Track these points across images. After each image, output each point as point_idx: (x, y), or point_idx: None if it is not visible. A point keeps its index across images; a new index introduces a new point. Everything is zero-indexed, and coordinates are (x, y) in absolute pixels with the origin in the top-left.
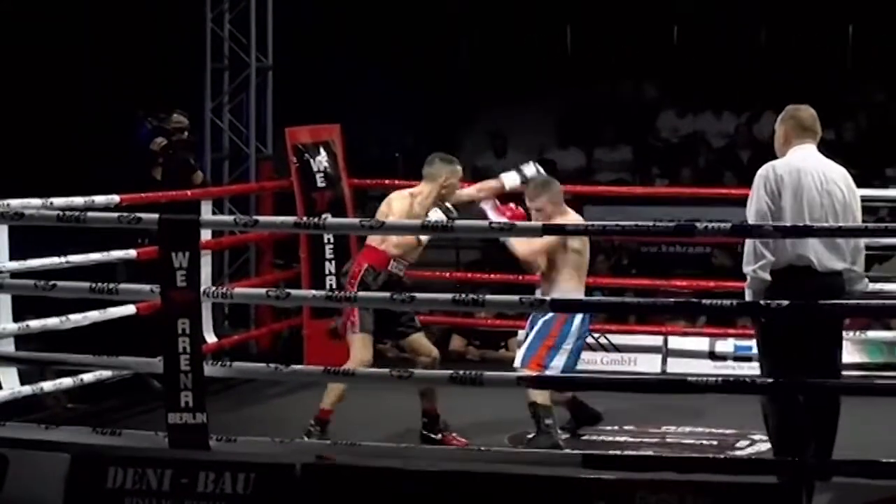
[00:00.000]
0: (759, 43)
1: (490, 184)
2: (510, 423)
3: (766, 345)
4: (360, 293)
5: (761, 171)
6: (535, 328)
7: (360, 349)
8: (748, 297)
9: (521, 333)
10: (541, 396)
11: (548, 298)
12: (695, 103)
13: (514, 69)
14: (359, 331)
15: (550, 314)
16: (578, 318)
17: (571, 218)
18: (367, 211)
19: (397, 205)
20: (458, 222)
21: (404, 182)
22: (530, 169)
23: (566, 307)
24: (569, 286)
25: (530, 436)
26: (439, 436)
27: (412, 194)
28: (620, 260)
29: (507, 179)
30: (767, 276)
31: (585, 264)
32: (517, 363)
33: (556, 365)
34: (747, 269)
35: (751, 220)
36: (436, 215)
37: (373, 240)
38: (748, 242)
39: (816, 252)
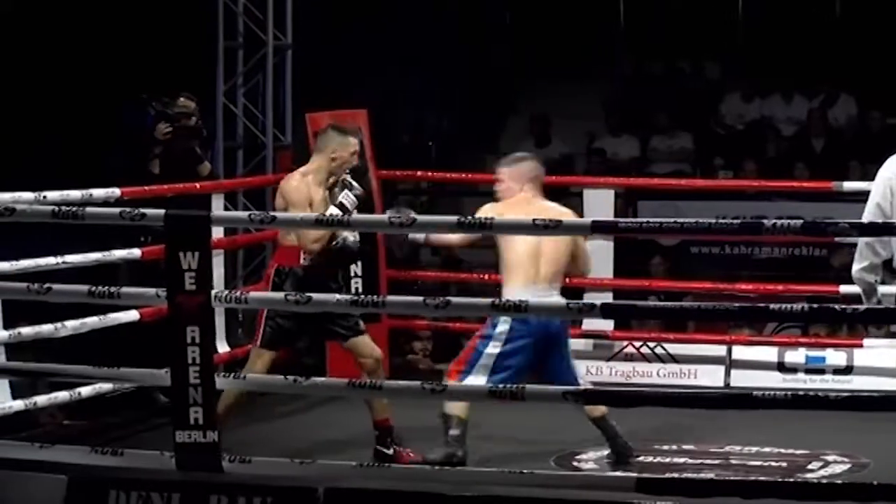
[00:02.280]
0: (833, 16)
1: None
2: (556, 442)
3: None
4: (390, 297)
5: (884, 165)
6: (565, 346)
7: (252, 364)
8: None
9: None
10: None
11: (598, 304)
12: (762, 85)
13: (560, 47)
14: (258, 344)
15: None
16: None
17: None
18: (398, 206)
19: (294, 194)
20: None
21: (438, 173)
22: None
23: (617, 312)
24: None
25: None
26: (391, 450)
27: (303, 174)
28: (678, 261)
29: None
30: (871, 278)
31: (518, 259)
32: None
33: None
34: (853, 270)
35: (864, 219)
36: (345, 200)
37: (281, 236)
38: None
39: None
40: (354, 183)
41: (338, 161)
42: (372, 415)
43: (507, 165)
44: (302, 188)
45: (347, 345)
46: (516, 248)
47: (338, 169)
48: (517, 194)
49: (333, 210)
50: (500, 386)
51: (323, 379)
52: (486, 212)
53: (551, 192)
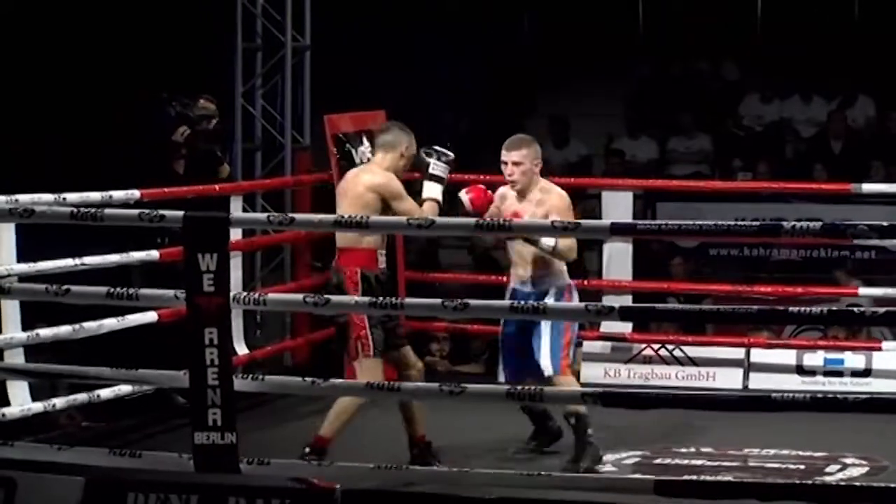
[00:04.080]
0: (852, 17)
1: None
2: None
3: None
4: (409, 300)
5: None
6: (544, 330)
7: (372, 376)
8: None
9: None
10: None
11: (616, 306)
12: (781, 87)
13: (579, 48)
14: (372, 353)
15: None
16: None
17: (553, 188)
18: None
19: (396, 184)
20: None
21: (457, 175)
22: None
23: (637, 314)
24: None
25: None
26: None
27: (384, 169)
28: (700, 263)
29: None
30: None
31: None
32: (549, 372)
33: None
34: None
35: None
36: (433, 190)
37: (346, 238)
38: None
39: None
40: (440, 149)
41: (405, 160)
42: (411, 430)
43: (529, 145)
44: (393, 183)
45: (397, 354)
46: None
47: (404, 168)
48: (534, 176)
49: (429, 184)
50: (518, 388)
51: (341, 380)
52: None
53: (569, 194)
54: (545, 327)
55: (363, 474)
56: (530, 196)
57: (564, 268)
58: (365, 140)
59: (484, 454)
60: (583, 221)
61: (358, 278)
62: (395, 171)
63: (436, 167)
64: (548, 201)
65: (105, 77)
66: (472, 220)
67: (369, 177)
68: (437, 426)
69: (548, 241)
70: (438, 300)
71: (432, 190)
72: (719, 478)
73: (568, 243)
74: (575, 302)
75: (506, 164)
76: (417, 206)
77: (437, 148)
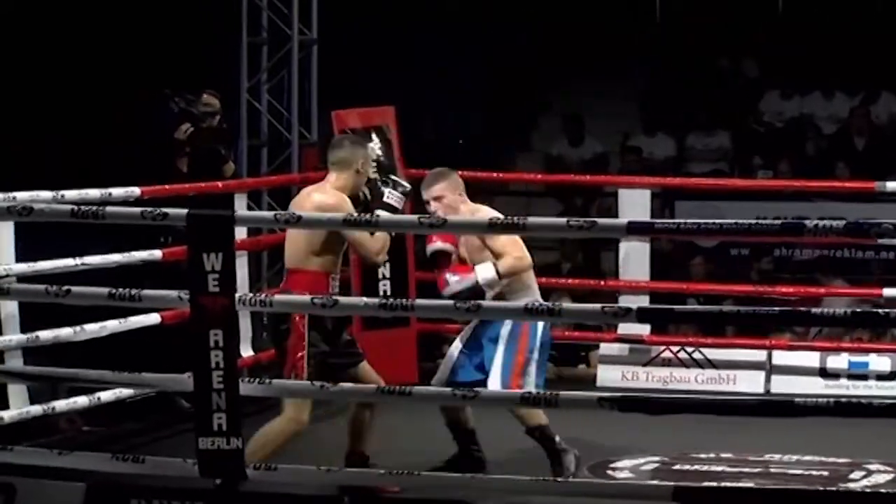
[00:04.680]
0: (874, 12)
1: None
2: (590, 449)
3: None
4: (419, 301)
5: None
6: (499, 343)
7: (299, 405)
8: None
9: (454, 346)
10: (539, 416)
11: (634, 307)
12: (802, 83)
13: (594, 42)
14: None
15: (508, 324)
16: (540, 324)
17: (481, 210)
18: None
19: (346, 207)
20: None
21: (467, 172)
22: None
23: (656, 316)
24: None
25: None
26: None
27: (337, 189)
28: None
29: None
30: None
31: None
32: (497, 386)
33: (532, 381)
34: None
35: None
36: (390, 200)
37: (295, 258)
38: None
39: None
40: (396, 178)
41: (362, 176)
42: (354, 444)
43: (440, 179)
44: (345, 206)
45: (353, 372)
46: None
47: (360, 185)
48: (461, 205)
49: (381, 213)
50: (534, 392)
51: (350, 385)
52: (487, 212)
53: (585, 193)
54: (500, 342)
55: (371, 480)
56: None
57: (530, 282)
58: (374, 136)
59: (502, 459)
60: (599, 220)
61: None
62: (351, 188)
63: (390, 196)
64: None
65: (106, 74)
66: (485, 219)
67: (320, 196)
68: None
69: (485, 276)
70: (450, 301)
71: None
72: (740, 484)
73: (509, 263)
74: (540, 328)
75: (428, 203)
76: (367, 235)
77: (393, 178)
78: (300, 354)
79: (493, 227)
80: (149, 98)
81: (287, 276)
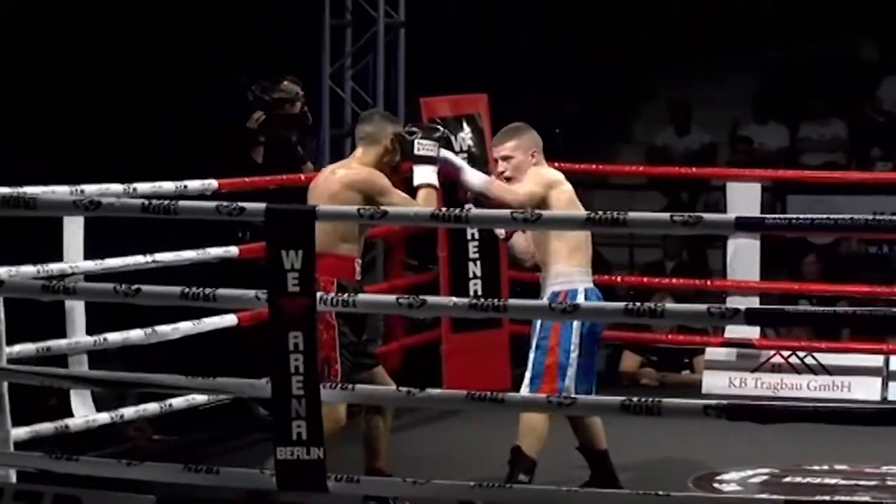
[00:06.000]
0: None
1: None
2: (694, 461)
3: None
4: (512, 301)
5: None
6: (531, 343)
7: (335, 406)
8: None
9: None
10: (530, 440)
11: (742, 308)
12: None
13: (702, 26)
14: (339, 377)
15: (537, 323)
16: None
17: (558, 177)
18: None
19: (383, 180)
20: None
21: (566, 164)
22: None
23: (766, 318)
24: (568, 268)
25: None
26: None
27: (366, 164)
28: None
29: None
30: None
31: (583, 239)
32: (525, 392)
33: (568, 386)
34: None
35: None
36: (425, 174)
37: (323, 243)
38: None
39: None
40: (420, 125)
41: (391, 154)
42: (372, 462)
43: (513, 136)
44: (377, 178)
45: (369, 375)
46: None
47: (389, 164)
48: (538, 158)
49: (418, 168)
50: (635, 399)
51: (438, 391)
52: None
53: (690, 186)
54: (532, 343)
55: (463, 493)
56: None
57: (571, 269)
58: (465, 125)
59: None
60: (705, 216)
61: (333, 290)
62: (379, 167)
63: (421, 147)
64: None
65: (182, 61)
66: (583, 213)
67: (347, 172)
68: (555, 443)
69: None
70: (545, 302)
71: (423, 174)
72: (855, 498)
73: (513, 189)
74: (575, 326)
75: (496, 161)
76: (410, 199)
77: (419, 125)
78: (333, 350)
79: (590, 223)
80: (226, 86)
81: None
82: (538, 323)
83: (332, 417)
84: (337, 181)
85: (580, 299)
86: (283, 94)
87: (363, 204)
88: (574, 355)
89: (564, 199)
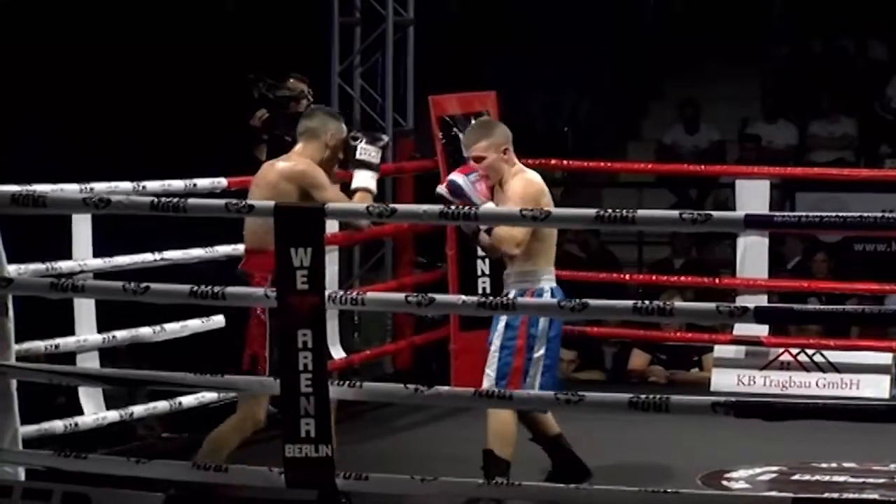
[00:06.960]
0: None
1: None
2: (703, 459)
3: None
4: (521, 299)
5: None
6: (494, 343)
7: (256, 402)
8: None
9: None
10: (501, 443)
11: (751, 306)
12: None
13: (711, 24)
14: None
15: (503, 318)
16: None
17: (531, 177)
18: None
19: (320, 174)
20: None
21: (575, 162)
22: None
23: (775, 315)
24: (535, 267)
25: None
26: None
27: (305, 158)
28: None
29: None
30: None
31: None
32: None
33: (535, 385)
34: None
35: None
36: (364, 178)
37: (256, 238)
38: None
39: None
40: (366, 131)
41: (331, 150)
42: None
43: (483, 136)
44: (315, 172)
45: None
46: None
47: (330, 162)
48: (511, 157)
49: (359, 172)
50: (643, 396)
51: (447, 388)
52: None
53: (699, 183)
54: (495, 343)
55: (470, 490)
56: (506, 187)
57: (539, 268)
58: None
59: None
60: (714, 213)
61: (268, 285)
62: (319, 162)
63: (363, 151)
64: (508, 191)
65: (191, 60)
66: (592, 211)
67: (286, 164)
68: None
69: (489, 206)
70: (552, 300)
71: (362, 178)
72: (864, 496)
73: (500, 233)
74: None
75: (468, 161)
76: (345, 197)
77: (364, 131)
78: (259, 345)
79: (599, 220)
80: (235, 84)
81: (247, 257)
82: (501, 323)
83: (255, 419)
84: (276, 173)
85: (546, 297)
86: (288, 91)
87: (298, 197)
88: (541, 354)
89: (552, 206)
